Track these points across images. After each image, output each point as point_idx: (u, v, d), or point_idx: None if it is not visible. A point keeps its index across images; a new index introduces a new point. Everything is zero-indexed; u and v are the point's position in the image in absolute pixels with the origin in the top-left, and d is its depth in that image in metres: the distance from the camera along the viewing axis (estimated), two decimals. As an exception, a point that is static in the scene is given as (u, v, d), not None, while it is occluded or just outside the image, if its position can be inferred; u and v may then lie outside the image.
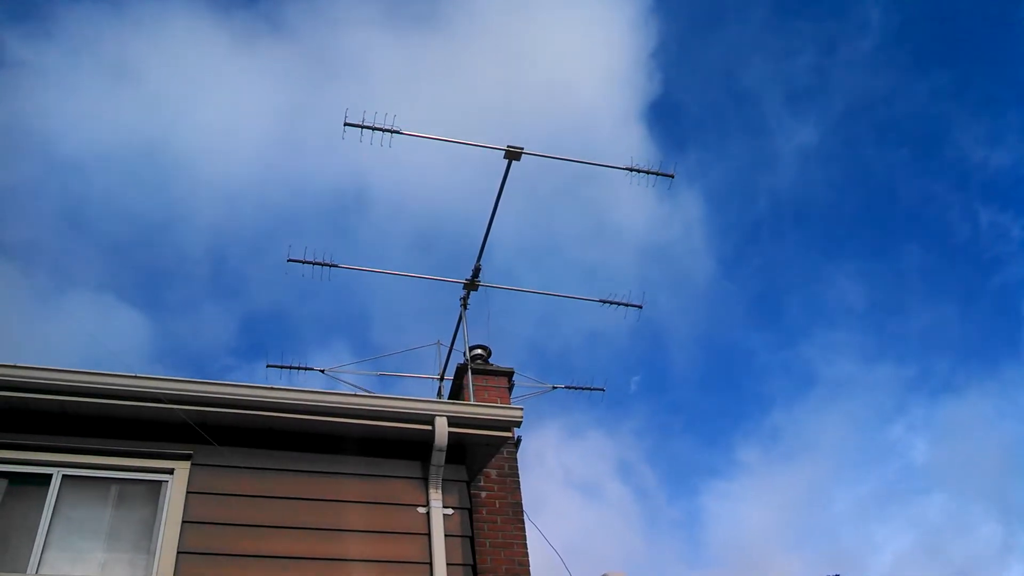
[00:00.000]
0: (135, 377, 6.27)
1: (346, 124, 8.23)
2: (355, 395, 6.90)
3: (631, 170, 8.91)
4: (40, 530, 6.06)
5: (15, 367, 6.13)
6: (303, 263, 8.61)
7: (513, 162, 8.68)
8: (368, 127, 8.27)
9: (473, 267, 9.06)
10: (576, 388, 9.25)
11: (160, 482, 6.49)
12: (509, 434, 7.16)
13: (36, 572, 5.85)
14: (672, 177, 8.95)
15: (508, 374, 8.59)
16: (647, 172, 8.93)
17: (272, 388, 6.57)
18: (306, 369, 8.91)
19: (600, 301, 9.29)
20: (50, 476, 6.30)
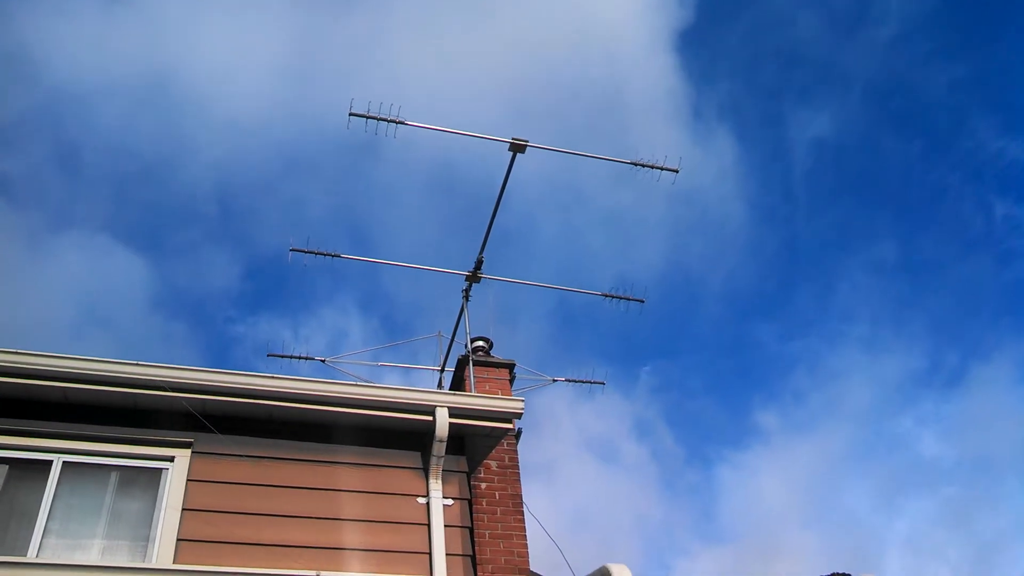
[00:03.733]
0: (136, 364, 6.28)
1: (351, 115, 8.24)
2: (356, 385, 6.90)
3: (636, 164, 8.90)
4: (40, 516, 6.07)
5: (17, 353, 6.14)
6: (306, 253, 8.61)
7: (518, 154, 8.69)
8: (373, 117, 8.28)
9: (476, 259, 9.06)
10: (576, 381, 9.26)
11: (160, 469, 6.50)
12: (510, 426, 7.16)
13: (36, 557, 5.87)
14: (677, 172, 8.94)
15: (509, 366, 8.59)
16: (651, 167, 8.91)
17: (273, 377, 6.57)
18: (307, 359, 8.93)
19: (603, 295, 9.29)
20: (50, 462, 6.32)
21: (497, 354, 8.87)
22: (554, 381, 9.23)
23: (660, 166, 8.91)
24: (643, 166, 8.92)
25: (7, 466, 6.25)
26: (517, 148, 8.71)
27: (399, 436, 7.02)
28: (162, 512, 6.26)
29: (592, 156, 9.13)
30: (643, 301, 9.28)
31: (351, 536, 6.47)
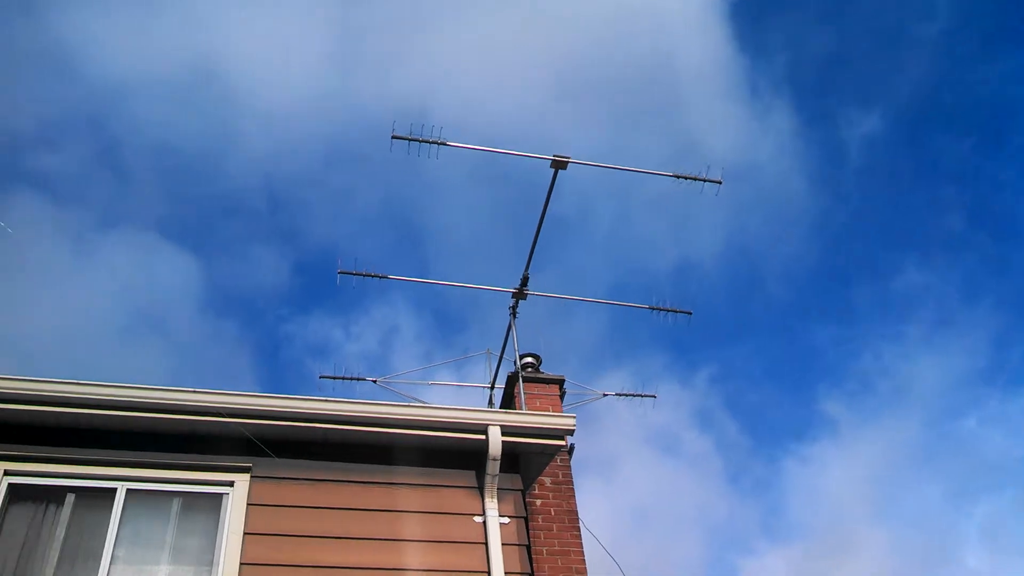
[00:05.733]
0: (195, 391, 6.39)
1: (394, 137, 8.33)
2: (408, 405, 6.96)
3: (678, 177, 8.89)
4: (107, 544, 6.18)
5: (80, 384, 6.29)
6: (354, 275, 8.71)
7: (559, 171, 8.72)
8: (415, 139, 8.37)
9: (521, 276, 9.10)
10: (627, 395, 9.24)
11: (221, 495, 6.59)
12: (562, 442, 7.17)
13: (104, 585, 5.97)
14: (720, 183, 8.91)
15: (559, 382, 8.60)
16: (694, 179, 8.90)
17: (327, 400, 6.65)
18: (358, 379, 9.02)
19: (650, 308, 9.28)
20: (114, 490, 6.43)
21: (547, 367, 8.90)
22: (604, 396, 9.22)
23: (704, 178, 8.89)
24: (686, 179, 8.91)
25: (74, 495, 6.38)
26: (559, 165, 8.74)
27: (453, 455, 7.05)
28: (224, 537, 6.34)
29: (633, 170, 9.13)
30: (690, 313, 9.26)
31: (410, 556, 6.51)
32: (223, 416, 6.41)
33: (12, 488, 6.31)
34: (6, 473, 6.31)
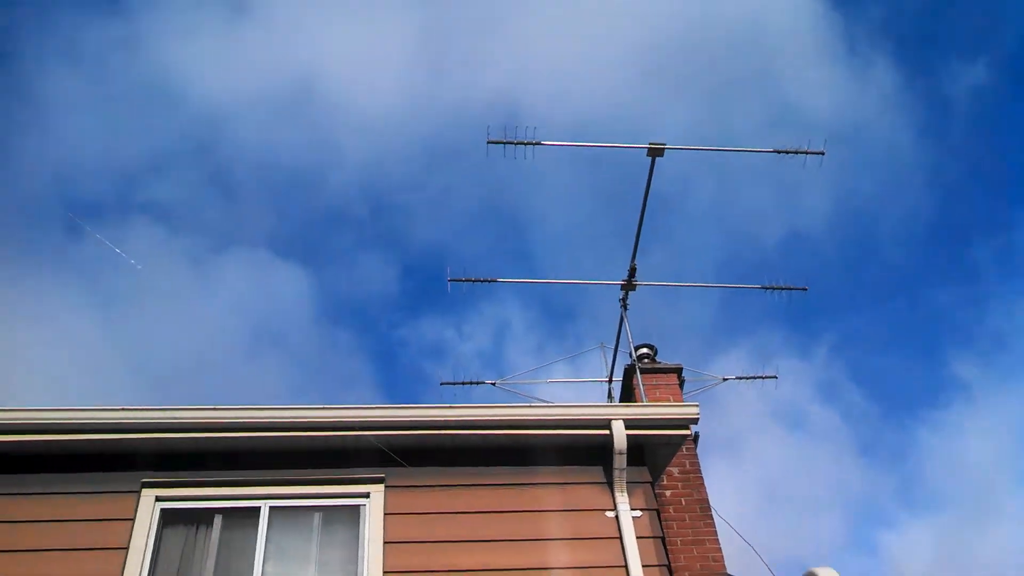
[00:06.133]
0: (330, 408, 6.62)
1: (489, 143, 8.41)
2: (532, 406, 7.03)
3: (779, 152, 8.73)
4: (256, 561, 6.42)
5: (222, 409, 6.58)
6: (464, 282, 8.83)
7: (657, 159, 8.67)
8: (510, 142, 8.43)
9: (628, 267, 9.08)
10: (747, 378, 9.12)
11: (358, 506, 6.77)
12: (687, 432, 7.12)
13: (258, 600, 6.21)
14: (823, 154, 8.71)
15: (677, 371, 8.55)
16: (796, 152, 8.72)
17: (454, 407, 6.78)
18: (478, 383, 9.13)
19: (763, 288, 9.13)
20: (259, 509, 6.68)
21: (660, 355, 8.86)
22: (724, 380, 9.13)
23: (805, 151, 8.70)
24: (787, 153, 8.73)
25: (221, 516, 6.65)
26: (655, 152, 8.68)
27: (579, 452, 7.07)
28: (365, 547, 6.51)
29: (731, 150, 9.01)
30: (806, 289, 9.08)
31: (546, 556, 6.55)
32: (356, 430, 6.59)
33: (164, 513, 6.61)
34: (157, 499, 6.62)
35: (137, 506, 6.55)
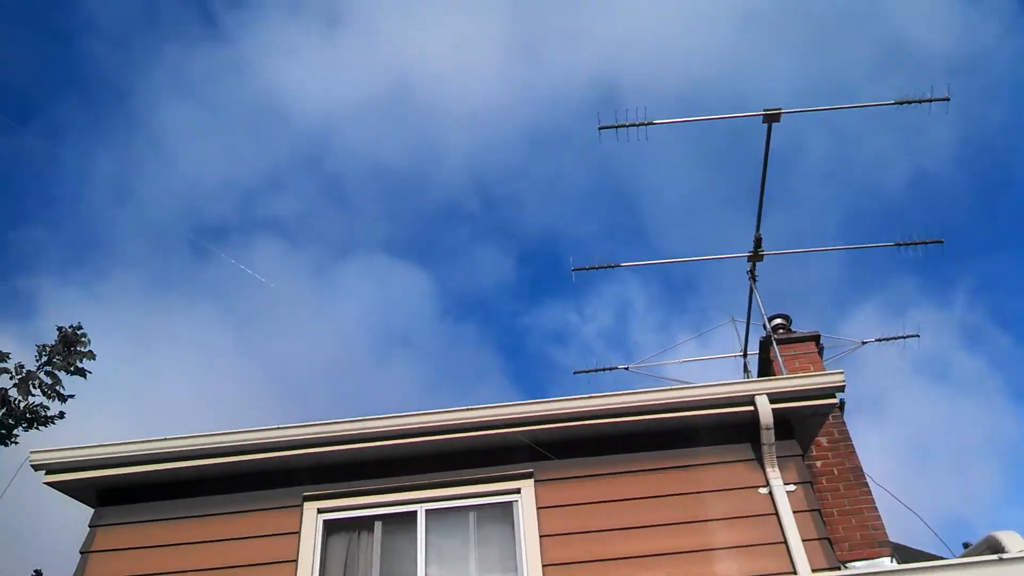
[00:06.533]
0: (475, 408, 6.72)
1: (600, 128, 8.36)
2: (671, 389, 6.96)
3: (901, 103, 8.41)
4: (419, 563, 6.58)
5: (376, 419, 6.81)
6: (587, 269, 8.82)
7: (774, 123, 8.46)
8: (622, 125, 8.36)
9: (753, 237, 8.90)
10: (889, 339, 8.85)
11: (510, 503, 6.85)
12: (833, 401, 6.94)
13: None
14: (948, 100, 8.35)
15: (815, 338, 8.35)
16: (919, 101, 8.38)
17: (597, 397, 6.77)
18: (610, 369, 9.13)
19: (896, 245, 8.83)
20: (415, 513, 6.84)
21: (796, 323, 8.68)
22: (863, 344, 8.87)
23: (929, 99, 8.35)
24: (911, 103, 8.40)
25: (380, 522, 6.84)
26: (771, 118, 8.48)
27: (725, 431, 6.98)
28: (522, 543, 6.58)
29: (850, 107, 8.72)
30: (941, 242, 8.73)
31: (703, 537, 6.50)
32: (502, 428, 6.67)
33: (327, 524, 6.84)
34: (319, 511, 6.85)
35: (301, 519, 6.80)
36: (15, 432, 11.35)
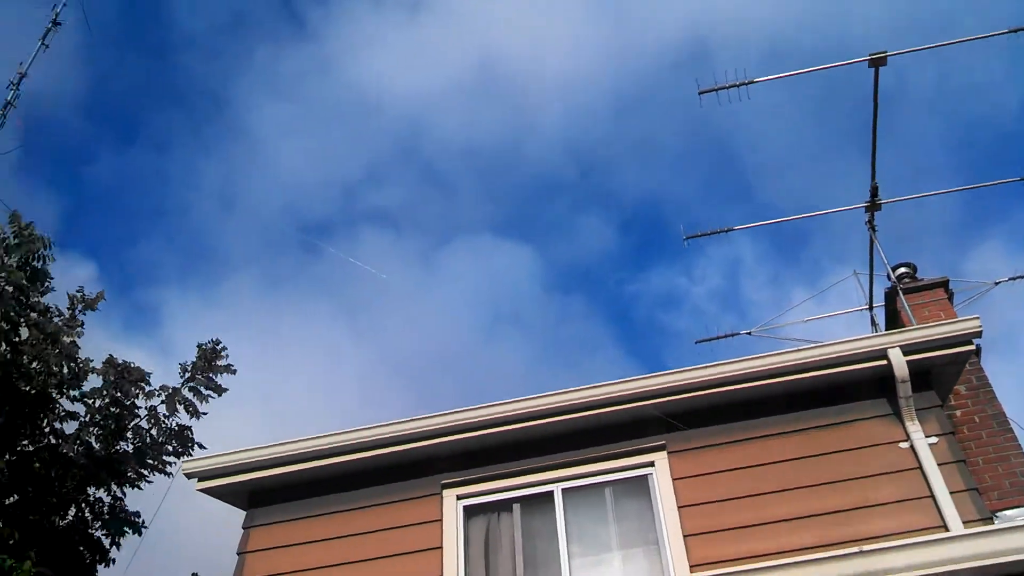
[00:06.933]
0: (606, 385, 6.76)
1: (700, 93, 8.25)
2: (799, 350, 6.84)
3: (1015, 31, 8.03)
4: (560, 542, 6.65)
5: (508, 402, 6.93)
6: (700, 236, 8.74)
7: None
8: (722, 88, 8.23)
9: (870, 186, 8.66)
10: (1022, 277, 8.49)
11: (645, 476, 6.86)
12: (970, 347, 6.72)
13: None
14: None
15: (943, 284, 8.08)
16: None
17: (725, 363, 6.72)
18: (732, 335, 9.03)
19: (1021, 180, 8.46)
20: (552, 492, 6.92)
21: (920, 269, 8.42)
22: (996, 284, 8.55)
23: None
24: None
25: (519, 504, 6.95)
26: (877, 63, 8.22)
27: (858, 387, 6.82)
28: (661, 515, 6.59)
29: (960, 41, 8.37)
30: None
31: (848, 496, 6.36)
32: (632, 402, 6.69)
33: (467, 510, 6.99)
34: (459, 498, 7.01)
35: (442, 507, 6.96)
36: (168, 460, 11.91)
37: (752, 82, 8.24)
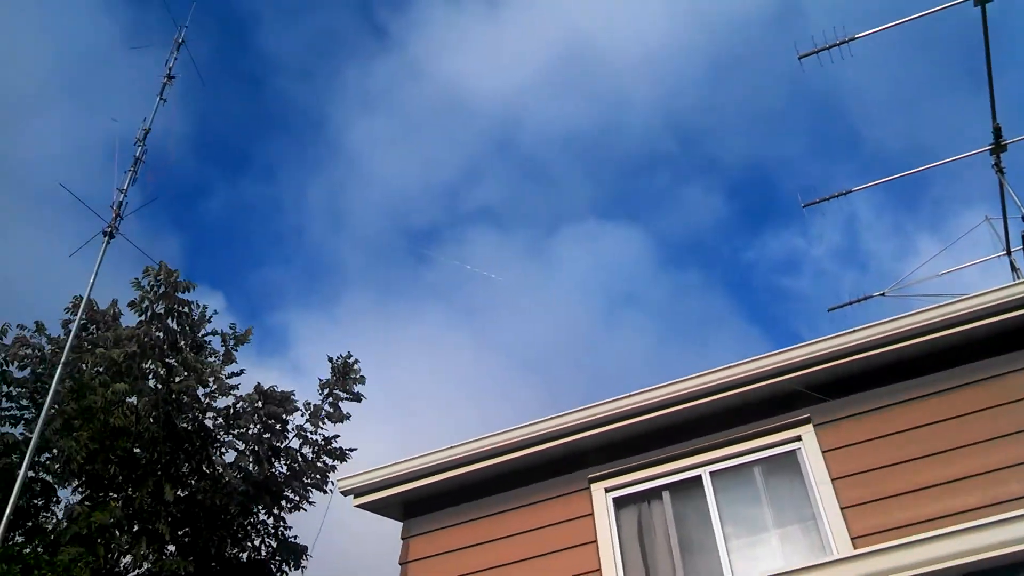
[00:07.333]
0: (743, 363, 6.72)
1: (800, 57, 8.09)
2: (943, 305, 6.58)
3: None
4: (715, 525, 6.62)
5: (649, 390, 6.95)
6: (819, 202, 8.56)
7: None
8: (823, 49, 8.04)
9: (992, 128, 8.30)
10: None
11: (793, 451, 6.76)
12: None
13: (732, 571, 6.37)
14: None
15: (1087, 220, 7.70)
16: None
17: (858, 330, 6.56)
18: (866, 299, 8.80)
19: None
20: (700, 476, 6.90)
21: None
22: None
23: None
24: None
25: (668, 491, 6.95)
26: (982, 0, 7.87)
27: (1008, 338, 6.53)
28: (815, 489, 6.47)
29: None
30: None
31: (1006, 454, 6.10)
32: (772, 378, 6.61)
33: (616, 501, 7.03)
34: (607, 490, 7.06)
35: (592, 500, 7.04)
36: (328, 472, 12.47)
37: (852, 39, 8.02)
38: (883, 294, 8.74)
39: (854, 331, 6.58)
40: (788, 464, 6.76)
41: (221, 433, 11.97)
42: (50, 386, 8.21)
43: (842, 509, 6.30)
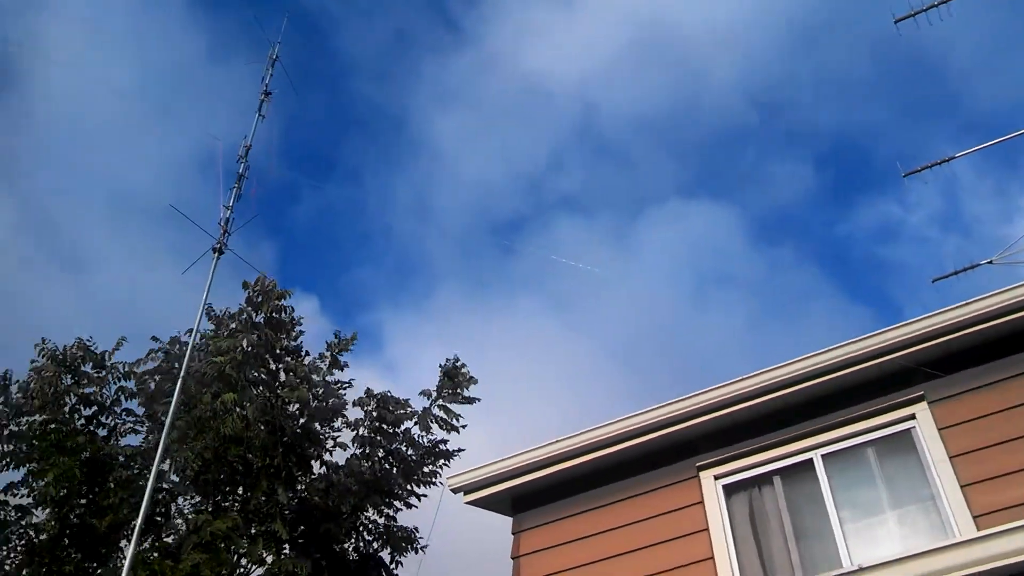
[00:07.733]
0: (854, 341, 6.57)
1: (896, 21, 7.87)
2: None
3: None
4: (829, 509, 6.50)
5: (753, 376, 6.86)
6: (920, 171, 8.32)
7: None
8: (920, 11, 7.81)
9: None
10: None
11: (908, 430, 6.59)
12: None
13: (850, 556, 6.22)
14: None
15: None
16: None
17: (977, 300, 6.34)
18: (973, 267, 8.50)
19: None
20: (811, 460, 6.78)
21: None
22: None
23: None
24: None
25: (779, 476, 6.85)
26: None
27: None
28: (932, 468, 6.30)
29: None
30: None
31: None
32: (890, 354, 6.44)
33: (726, 488, 6.97)
34: (716, 478, 7.00)
35: (701, 489, 6.99)
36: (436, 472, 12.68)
37: None
38: (990, 262, 8.42)
39: (967, 303, 6.36)
40: (903, 443, 6.60)
41: (330, 434, 12.30)
42: (172, 397, 8.50)
43: (962, 487, 6.12)
